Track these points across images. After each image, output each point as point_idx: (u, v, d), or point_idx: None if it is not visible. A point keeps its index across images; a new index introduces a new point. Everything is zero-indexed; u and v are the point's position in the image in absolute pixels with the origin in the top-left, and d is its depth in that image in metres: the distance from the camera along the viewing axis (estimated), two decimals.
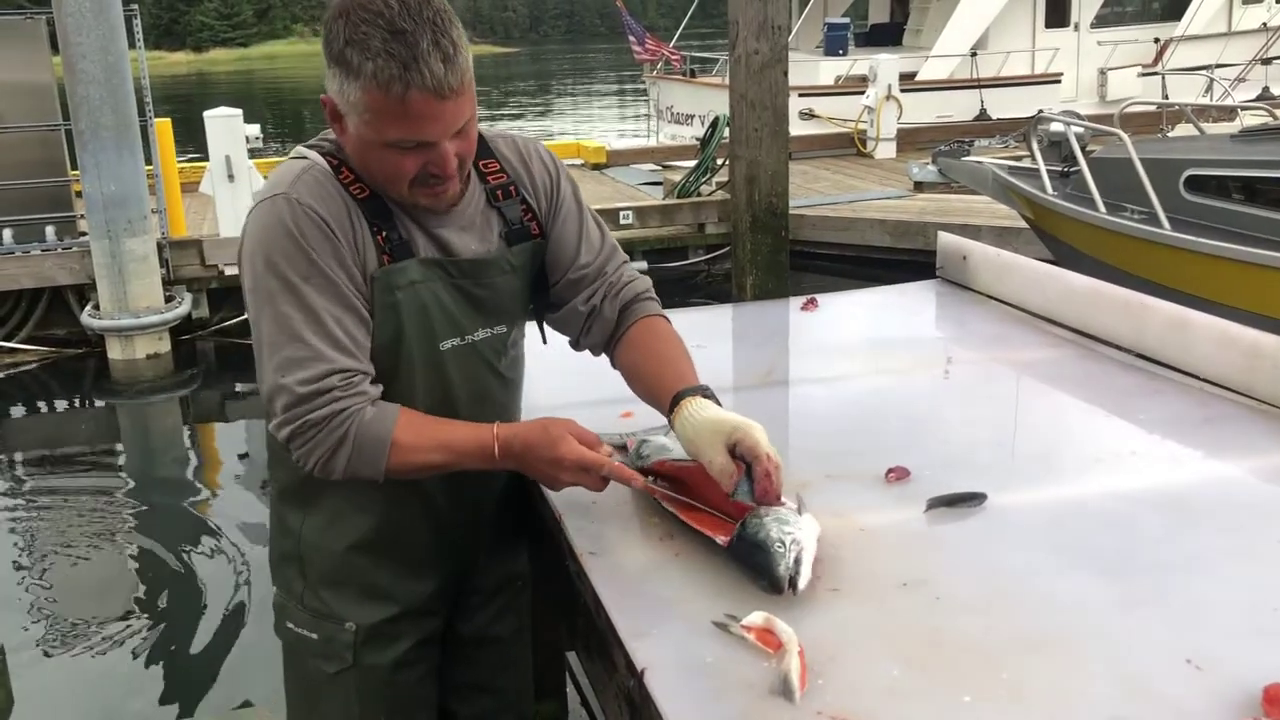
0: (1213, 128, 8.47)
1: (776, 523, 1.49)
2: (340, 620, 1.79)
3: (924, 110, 14.77)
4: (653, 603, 1.48)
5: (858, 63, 15.52)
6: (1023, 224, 8.20)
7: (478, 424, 1.67)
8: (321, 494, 1.75)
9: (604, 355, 1.90)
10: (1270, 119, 7.90)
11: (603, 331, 1.86)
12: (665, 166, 13.52)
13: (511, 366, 1.85)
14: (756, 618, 1.38)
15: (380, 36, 1.50)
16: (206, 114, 9.35)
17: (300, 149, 1.73)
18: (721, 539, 1.53)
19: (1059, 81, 15.74)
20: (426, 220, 1.69)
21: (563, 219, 1.84)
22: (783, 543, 1.46)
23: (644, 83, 19.29)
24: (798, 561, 1.45)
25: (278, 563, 1.87)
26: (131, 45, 8.62)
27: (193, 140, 12.17)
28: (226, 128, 9.27)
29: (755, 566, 1.48)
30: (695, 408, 1.63)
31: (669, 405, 1.68)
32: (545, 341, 1.95)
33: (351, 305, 1.62)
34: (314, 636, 1.81)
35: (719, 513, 1.60)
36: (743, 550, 1.50)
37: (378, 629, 1.80)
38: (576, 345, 1.91)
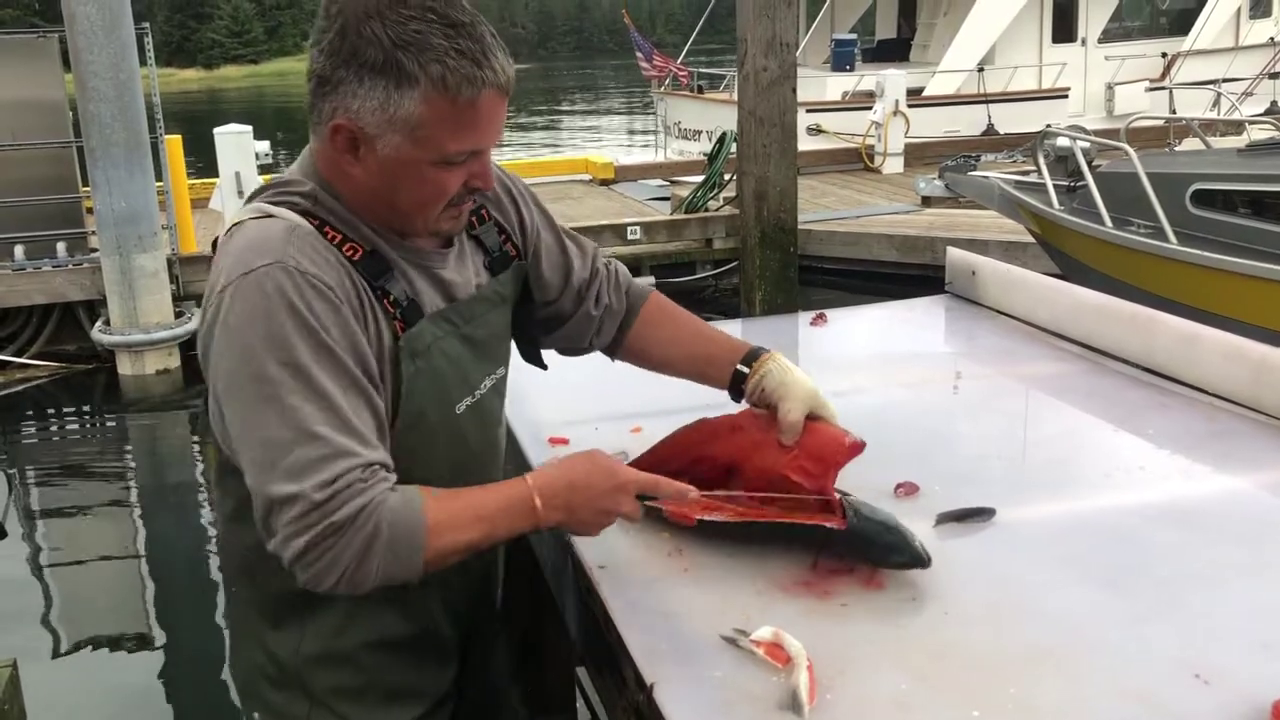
0: (1219, 142, 8.48)
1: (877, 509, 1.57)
2: None
3: (931, 125, 14.80)
4: (662, 617, 1.48)
5: (865, 78, 15.55)
6: (1030, 238, 8.20)
7: (500, 483, 1.45)
8: (329, 596, 1.41)
9: (607, 351, 1.83)
10: (1277, 133, 7.90)
11: (613, 324, 1.79)
12: (673, 182, 13.54)
13: (504, 408, 1.71)
14: (765, 632, 1.38)
15: (440, 33, 1.29)
16: (216, 131, 9.41)
17: (261, 206, 1.41)
18: (833, 524, 1.53)
19: (1066, 96, 15.75)
20: (429, 262, 1.50)
21: (541, 234, 1.71)
22: (899, 525, 1.53)
23: (652, 98, 19.35)
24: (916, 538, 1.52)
25: (258, 689, 1.59)
26: (143, 63, 8.70)
27: (203, 157, 12.23)
28: (236, 144, 9.33)
29: (888, 545, 1.51)
30: (785, 363, 1.68)
31: (737, 362, 1.68)
32: (545, 367, 1.80)
33: (364, 389, 1.37)
34: None
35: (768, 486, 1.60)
36: (869, 532, 1.52)
37: None
38: (583, 350, 1.81)
